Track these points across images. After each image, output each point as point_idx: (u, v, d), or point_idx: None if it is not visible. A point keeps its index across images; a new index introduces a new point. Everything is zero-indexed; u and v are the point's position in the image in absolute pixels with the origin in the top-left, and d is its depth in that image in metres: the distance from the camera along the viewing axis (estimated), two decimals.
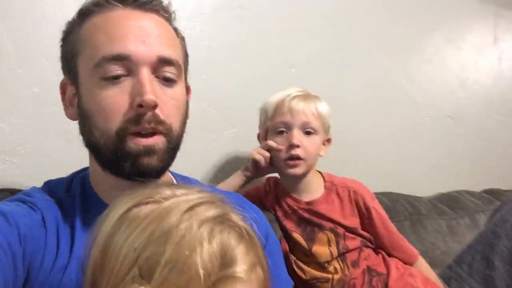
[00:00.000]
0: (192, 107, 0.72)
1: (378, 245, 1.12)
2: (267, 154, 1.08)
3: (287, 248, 1.09)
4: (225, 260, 0.43)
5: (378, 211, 1.11)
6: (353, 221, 1.09)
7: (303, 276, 1.07)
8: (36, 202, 0.62)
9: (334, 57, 1.50)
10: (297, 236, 1.08)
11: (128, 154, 0.60)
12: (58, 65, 0.69)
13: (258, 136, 1.16)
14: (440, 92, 1.76)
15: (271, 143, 1.07)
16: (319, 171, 1.16)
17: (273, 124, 1.08)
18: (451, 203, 1.54)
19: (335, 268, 1.06)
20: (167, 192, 0.48)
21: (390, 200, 1.39)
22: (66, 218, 0.63)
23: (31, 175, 1.03)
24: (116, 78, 0.60)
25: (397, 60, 1.65)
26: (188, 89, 0.72)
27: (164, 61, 0.63)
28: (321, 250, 1.06)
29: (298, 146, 1.04)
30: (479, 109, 1.87)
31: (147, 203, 0.47)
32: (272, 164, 1.10)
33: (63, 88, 0.68)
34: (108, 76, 0.60)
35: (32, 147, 1.04)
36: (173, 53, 0.65)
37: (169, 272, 0.41)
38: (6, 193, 0.88)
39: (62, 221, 0.62)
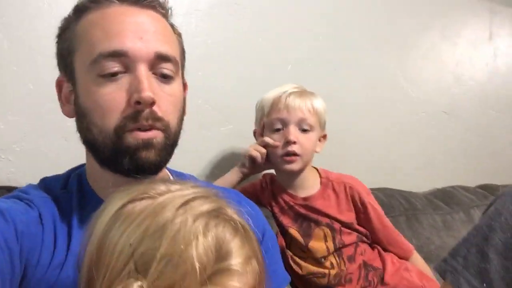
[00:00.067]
0: (188, 104, 0.72)
1: (374, 240, 1.12)
2: (264, 150, 1.09)
3: (284, 243, 1.10)
4: (220, 253, 0.43)
5: (373, 206, 1.11)
6: (349, 216, 1.09)
7: (299, 271, 1.07)
8: (32, 199, 0.62)
9: (330, 54, 1.50)
10: (294, 231, 1.08)
11: (127, 149, 0.60)
12: (53, 62, 0.69)
13: (254, 133, 1.16)
14: (436, 88, 1.77)
15: (267, 139, 1.08)
16: (315, 167, 1.16)
17: (270, 121, 1.09)
18: (446, 198, 1.54)
19: (331, 263, 1.06)
20: (162, 187, 0.49)
21: (385, 196, 1.40)
22: (63, 215, 0.63)
23: (27, 172, 1.03)
24: (113, 75, 0.60)
25: (392, 56, 1.65)
26: (185, 86, 0.72)
27: (162, 58, 0.63)
28: (318, 245, 1.07)
29: (294, 143, 1.05)
30: (474, 105, 1.88)
31: (142, 198, 0.47)
32: (269, 160, 1.11)
33: (59, 85, 0.68)
34: (105, 73, 0.60)
35: (28, 144, 1.04)
36: (170, 49, 0.65)
37: (165, 266, 0.41)
38: (3, 191, 0.88)
39: (59, 218, 0.62)
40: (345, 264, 1.06)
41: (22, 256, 0.55)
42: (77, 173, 0.70)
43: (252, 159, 1.10)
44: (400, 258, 1.12)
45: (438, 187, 1.67)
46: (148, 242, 0.43)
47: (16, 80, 1.03)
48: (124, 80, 0.61)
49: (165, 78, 0.64)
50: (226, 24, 1.31)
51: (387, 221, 1.14)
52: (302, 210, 1.09)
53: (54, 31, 0.68)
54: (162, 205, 0.45)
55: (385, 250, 1.12)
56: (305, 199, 1.10)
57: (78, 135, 0.67)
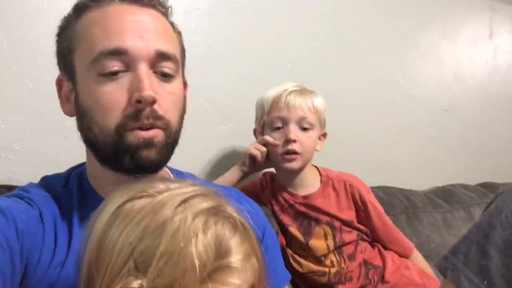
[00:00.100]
0: (188, 103, 0.72)
1: (374, 238, 1.13)
2: (264, 149, 1.09)
3: (284, 242, 1.10)
4: (220, 251, 0.43)
5: (374, 204, 1.12)
6: (349, 214, 1.09)
7: (300, 269, 1.08)
8: (33, 198, 0.62)
9: (330, 52, 1.50)
10: (294, 230, 1.08)
11: (128, 148, 0.60)
12: (53, 61, 0.69)
13: (255, 131, 1.16)
14: (436, 87, 1.77)
15: (267, 138, 1.08)
16: (315, 166, 1.16)
17: (270, 119, 1.09)
18: (446, 196, 1.54)
19: (331, 262, 1.07)
20: (161, 186, 0.49)
21: (386, 194, 1.40)
22: (64, 214, 0.63)
23: (28, 171, 1.03)
24: (114, 74, 0.60)
25: (392, 54, 1.65)
26: (185, 84, 0.72)
27: (162, 56, 0.63)
28: (318, 243, 1.07)
29: (294, 141, 1.05)
30: (475, 103, 1.88)
31: (141, 197, 0.47)
32: (269, 159, 1.11)
33: (59, 84, 0.68)
34: (105, 72, 0.60)
35: (28, 143, 1.04)
36: (170, 47, 0.65)
37: (165, 264, 0.41)
38: (3, 190, 0.88)
39: (60, 217, 0.62)
40: (345, 262, 1.06)
41: (22, 255, 0.55)
42: (78, 171, 0.70)
43: (252, 158, 1.10)
44: (400, 256, 1.12)
45: (438, 185, 1.67)
46: (147, 240, 0.43)
47: (16, 79, 1.03)
48: (124, 79, 0.61)
49: (165, 77, 0.64)
50: (226, 23, 1.31)
51: (387, 219, 1.14)
52: (302, 209, 1.09)
53: (54, 30, 0.68)
54: (161, 203, 0.45)
55: (385, 248, 1.12)
56: (305, 197, 1.10)
57: (78, 134, 0.67)
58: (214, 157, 1.29)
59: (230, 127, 1.32)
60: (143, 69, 0.61)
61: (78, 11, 0.65)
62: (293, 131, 1.05)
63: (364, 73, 1.57)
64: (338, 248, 1.07)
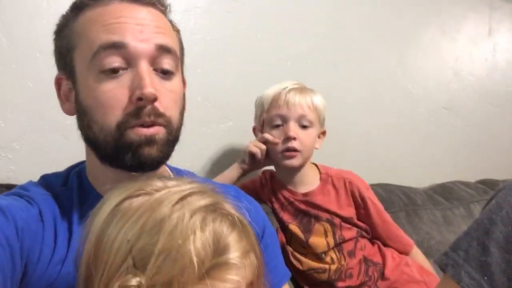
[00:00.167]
0: (187, 101, 0.72)
1: (374, 235, 1.13)
2: (264, 146, 1.09)
3: (284, 239, 1.10)
4: (218, 248, 0.44)
5: (373, 201, 1.12)
6: (349, 211, 1.10)
7: (300, 267, 1.08)
8: (33, 196, 0.62)
9: (329, 50, 1.50)
10: (294, 227, 1.09)
11: (129, 145, 0.60)
12: (53, 60, 0.68)
13: (254, 130, 1.16)
14: (435, 84, 1.77)
15: (267, 136, 1.08)
16: (314, 163, 1.17)
17: (269, 117, 1.09)
18: (446, 193, 1.55)
19: (331, 259, 1.07)
20: (159, 184, 0.49)
21: (385, 191, 1.40)
22: (63, 212, 0.63)
23: (27, 170, 1.03)
24: (114, 72, 0.60)
25: (392, 52, 1.65)
26: (184, 82, 0.72)
27: (163, 49, 0.63)
28: (318, 241, 1.07)
29: (294, 139, 1.05)
30: (474, 100, 1.88)
31: (139, 195, 0.47)
32: (268, 156, 1.11)
33: (58, 83, 0.68)
34: (106, 69, 0.60)
35: (28, 142, 1.04)
36: (170, 41, 0.65)
37: (163, 261, 0.41)
38: (2, 189, 0.88)
39: (59, 215, 0.62)
40: (345, 259, 1.06)
41: (22, 253, 0.55)
42: (77, 170, 0.70)
43: (252, 155, 1.10)
44: (400, 253, 1.12)
45: (438, 182, 1.67)
46: (145, 238, 0.43)
47: (16, 78, 1.03)
48: (125, 77, 0.61)
49: (165, 74, 0.64)
50: (225, 21, 1.31)
51: (386, 216, 1.14)
52: (302, 206, 1.10)
53: (53, 29, 0.68)
54: (159, 200, 0.46)
55: (385, 245, 1.13)
56: (305, 195, 1.11)
57: (77, 132, 0.67)
58: (214, 155, 1.29)
59: (229, 125, 1.32)
60: (144, 66, 0.61)
61: (76, 9, 0.65)
62: (293, 128, 1.05)
63: (363, 71, 1.57)
64: (338, 245, 1.07)
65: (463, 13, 1.85)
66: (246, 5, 1.34)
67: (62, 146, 1.07)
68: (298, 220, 1.10)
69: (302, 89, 1.10)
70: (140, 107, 0.60)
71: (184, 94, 0.70)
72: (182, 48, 0.72)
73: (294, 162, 1.07)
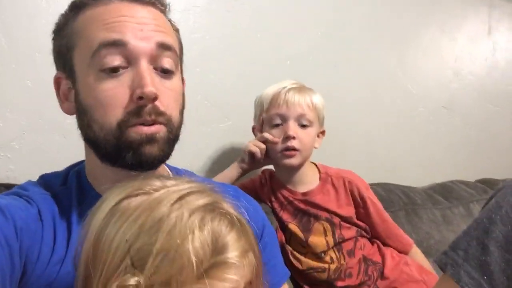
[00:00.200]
0: (186, 101, 0.72)
1: (373, 235, 1.13)
2: (263, 146, 1.09)
3: (283, 239, 1.10)
4: (216, 247, 0.43)
5: (372, 200, 1.12)
6: (349, 211, 1.10)
7: (299, 266, 1.08)
8: (32, 196, 0.62)
9: (329, 49, 1.50)
10: (294, 227, 1.09)
11: (130, 144, 0.60)
12: (52, 59, 0.68)
13: (253, 129, 1.16)
14: (435, 84, 1.77)
15: (267, 135, 1.08)
16: (314, 163, 1.17)
17: (269, 116, 1.09)
18: (445, 193, 1.55)
19: (331, 258, 1.07)
20: (157, 183, 0.49)
21: (385, 191, 1.40)
22: (63, 211, 0.63)
23: (26, 170, 1.03)
24: (114, 71, 0.60)
25: (391, 51, 1.65)
26: (183, 81, 0.72)
27: (163, 48, 0.63)
28: (317, 240, 1.07)
29: (294, 138, 1.05)
30: (474, 99, 1.88)
31: (137, 194, 0.47)
32: (268, 156, 1.11)
33: (57, 83, 0.67)
34: (106, 68, 0.60)
35: (27, 142, 1.04)
36: (170, 40, 0.65)
37: (161, 261, 0.41)
38: (1, 188, 0.88)
39: (59, 214, 0.62)
40: (344, 259, 1.06)
41: (21, 252, 0.55)
42: (76, 170, 0.70)
43: (251, 155, 1.10)
44: (400, 252, 1.13)
45: (437, 181, 1.67)
46: (144, 238, 0.43)
47: (15, 77, 1.03)
48: (125, 76, 0.61)
49: (165, 74, 0.64)
50: (224, 20, 1.31)
51: (386, 215, 1.14)
52: (302, 205, 1.10)
53: (52, 28, 0.68)
54: (158, 200, 0.45)
55: (385, 244, 1.13)
56: (304, 194, 1.11)
57: (77, 132, 0.67)
58: (213, 155, 1.29)
59: (229, 125, 1.32)
60: (144, 65, 0.61)
61: (76, 8, 0.64)
62: (292, 128, 1.05)
63: (363, 70, 1.57)
64: (338, 245, 1.07)
65: (463, 13, 1.85)
66: (246, 4, 1.33)
67: (62, 145, 1.06)
68: (298, 219, 1.10)
69: (301, 89, 1.10)
70: (141, 106, 0.60)
71: (183, 93, 0.71)
72: (181, 47, 0.72)
73: (294, 161, 1.07)
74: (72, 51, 0.63)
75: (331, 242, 1.07)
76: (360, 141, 1.58)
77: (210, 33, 1.28)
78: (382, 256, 1.09)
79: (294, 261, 1.08)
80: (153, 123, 0.61)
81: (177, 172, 0.76)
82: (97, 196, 0.59)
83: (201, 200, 0.46)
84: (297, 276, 1.09)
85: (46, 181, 0.68)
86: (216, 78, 1.29)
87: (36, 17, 1.04)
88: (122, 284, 0.41)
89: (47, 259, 0.58)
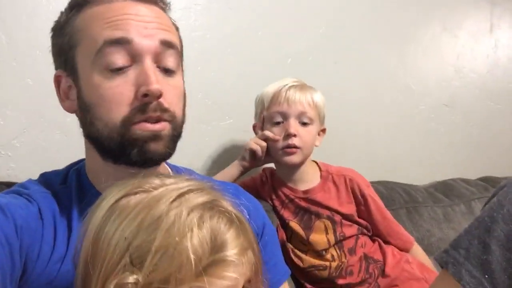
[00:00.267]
0: (187, 99, 0.72)
1: (374, 232, 1.13)
2: (264, 143, 1.09)
3: (284, 237, 1.10)
4: (215, 245, 0.43)
5: (373, 198, 1.12)
6: (350, 208, 1.10)
7: (300, 264, 1.08)
8: (32, 194, 0.62)
9: (330, 47, 1.49)
10: (295, 225, 1.09)
11: (135, 141, 0.61)
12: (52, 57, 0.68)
13: (254, 127, 1.16)
14: (436, 81, 1.76)
15: (267, 133, 1.08)
16: (314, 161, 1.17)
17: (270, 114, 1.09)
18: (446, 191, 1.54)
19: (332, 256, 1.07)
20: (156, 181, 0.49)
21: (386, 189, 1.40)
22: (63, 209, 0.63)
23: (27, 168, 1.03)
24: (119, 69, 0.60)
25: (393, 49, 1.65)
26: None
27: (166, 45, 0.63)
28: (318, 238, 1.07)
29: (294, 136, 1.05)
30: (475, 97, 1.87)
31: (137, 192, 0.47)
32: (269, 154, 1.11)
33: (57, 81, 0.67)
34: (111, 66, 0.60)
35: (28, 140, 1.04)
36: (173, 37, 0.66)
37: (160, 259, 0.41)
38: (2, 187, 0.88)
39: (59, 213, 0.62)
40: (345, 257, 1.06)
41: (22, 251, 0.55)
42: (76, 168, 0.70)
43: (252, 153, 1.10)
44: (401, 250, 1.12)
45: (438, 179, 1.67)
46: (143, 235, 0.43)
47: (15, 75, 1.03)
48: (129, 73, 0.61)
49: (168, 71, 0.64)
50: (225, 19, 1.31)
51: (387, 213, 1.14)
52: (303, 203, 1.09)
53: (52, 26, 0.67)
54: (157, 198, 0.46)
55: (386, 242, 1.13)
56: (305, 192, 1.11)
57: (77, 130, 0.67)
58: (214, 153, 1.29)
59: (229, 123, 1.31)
60: (148, 63, 0.61)
61: (78, 6, 0.64)
62: (293, 125, 1.05)
63: (364, 68, 1.57)
64: (339, 242, 1.07)
65: (464, 10, 1.84)
66: (247, 2, 1.33)
67: (62, 144, 1.06)
68: (299, 217, 1.10)
69: (302, 87, 1.09)
70: (146, 103, 0.60)
71: (185, 91, 0.71)
72: (182, 45, 0.72)
73: (295, 159, 1.07)
74: (74, 49, 0.63)
75: (332, 240, 1.07)
76: (360, 139, 1.58)
77: (211, 32, 1.28)
78: (383, 254, 1.09)
79: (295, 259, 1.08)
80: (158, 120, 0.62)
81: (177, 171, 0.76)
82: (97, 194, 0.59)
83: (200, 198, 0.46)
84: (298, 274, 1.09)
85: (46, 179, 0.68)
86: (216, 76, 1.29)
87: (36, 15, 1.04)
88: (121, 282, 0.41)
89: (48, 257, 0.58)
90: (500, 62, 1.94)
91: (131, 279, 0.41)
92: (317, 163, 1.16)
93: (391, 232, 1.13)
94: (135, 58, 0.61)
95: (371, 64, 1.59)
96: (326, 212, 1.08)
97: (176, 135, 0.65)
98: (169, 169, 0.75)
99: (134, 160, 0.61)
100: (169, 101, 0.63)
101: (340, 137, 1.49)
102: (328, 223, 1.08)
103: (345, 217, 1.09)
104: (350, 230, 1.08)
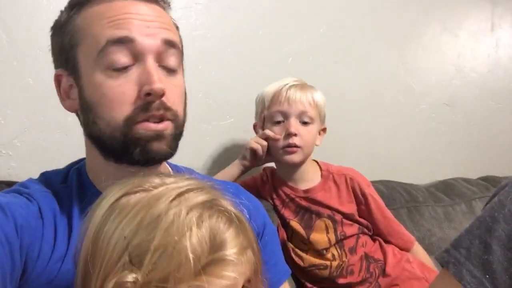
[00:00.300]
0: (188, 98, 0.72)
1: (375, 232, 1.13)
2: (265, 143, 1.09)
3: (285, 236, 1.10)
4: (214, 244, 0.43)
5: (374, 197, 1.12)
6: (350, 207, 1.10)
7: (301, 263, 1.08)
8: (32, 193, 0.62)
9: (331, 46, 1.49)
10: (295, 224, 1.09)
11: (137, 140, 0.61)
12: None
13: (254, 126, 1.16)
14: (437, 80, 1.76)
15: (268, 132, 1.08)
16: (315, 160, 1.17)
17: (270, 114, 1.09)
18: (447, 190, 1.54)
19: (333, 255, 1.07)
20: (157, 180, 0.49)
21: (387, 188, 1.40)
22: (63, 209, 0.63)
23: (28, 167, 1.03)
24: (121, 68, 0.60)
25: (393, 48, 1.64)
26: None
27: (169, 44, 0.64)
28: (319, 237, 1.07)
29: (295, 135, 1.05)
30: (476, 96, 1.87)
31: (137, 191, 0.47)
32: (269, 153, 1.11)
33: (57, 80, 0.67)
34: (113, 65, 0.60)
35: (28, 139, 1.04)
36: (175, 36, 0.66)
37: (159, 258, 0.41)
38: (3, 186, 0.88)
39: (59, 212, 0.62)
40: (346, 256, 1.06)
41: (22, 250, 0.55)
42: (77, 167, 0.70)
43: (253, 152, 1.10)
44: (401, 249, 1.12)
45: (439, 179, 1.67)
46: (142, 234, 0.43)
47: (16, 75, 1.03)
48: (132, 72, 0.61)
49: (170, 70, 0.65)
50: (226, 18, 1.31)
51: (388, 212, 1.14)
52: (304, 203, 1.09)
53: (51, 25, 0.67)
54: (156, 197, 0.46)
55: (386, 241, 1.13)
56: (306, 191, 1.11)
57: (78, 130, 0.67)
58: (214, 152, 1.29)
59: (230, 122, 1.31)
60: (151, 62, 0.61)
61: (78, 5, 0.64)
62: (294, 125, 1.05)
63: (364, 67, 1.57)
64: (340, 242, 1.07)
65: (465, 9, 1.84)
66: (247, 2, 1.33)
67: (63, 143, 1.06)
68: (299, 216, 1.10)
69: (302, 86, 1.09)
70: (149, 102, 0.61)
71: (185, 90, 0.71)
72: (182, 45, 0.72)
73: (295, 158, 1.07)
74: (76, 48, 0.63)
75: (333, 239, 1.07)
76: (361, 139, 1.57)
77: (211, 31, 1.28)
78: (384, 253, 1.09)
79: (296, 258, 1.08)
80: (161, 119, 0.62)
81: (178, 170, 0.77)
82: (98, 194, 0.59)
83: (199, 197, 0.46)
84: (299, 273, 1.09)
85: (46, 178, 0.68)
86: (217, 75, 1.29)
87: (36, 14, 1.04)
88: (120, 280, 0.41)
89: (48, 256, 0.58)
90: (501, 62, 1.93)
91: (130, 278, 0.41)
92: (317, 163, 1.16)
93: (392, 231, 1.13)
94: (137, 57, 0.61)
95: (372, 64, 1.59)
96: (326, 211, 1.08)
97: (178, 134, 0.66)
98: (169, 168, 0.75)
99: (137, 159, 0.61)
100: (172, 100, 0.63)
101: (341, 137, 1.49)
102: (329, 222, 1.08)
103: (346, 216, 1.09)
104: (351, 229, 1.08)
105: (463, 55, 1.82)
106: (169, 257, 0.41)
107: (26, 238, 0.56)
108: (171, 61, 0.64)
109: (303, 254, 1.08)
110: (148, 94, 0.60)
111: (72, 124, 0.67)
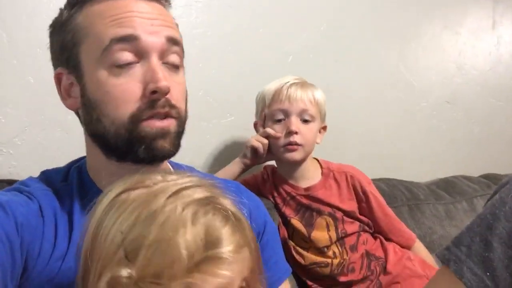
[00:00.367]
0: (188, 96, 0.72)
1: (376, 229, 1.13)
2: (266, 141, 1.09)
3: (286, 234, 1.10)
4: (209, 241, 0.43)
5: (375, 195, 1.12)
6: (351, 205, 1.10)
7: (302, 261, 1.08)
8: (33, 192, 0.62)
9: (331, 44, 1.49)
10: (296, 222, 1.09)
11: (143, 138, 0.61)
12: None
13: (255, 125, 1.16)
14: (438, 78, 1.76)
15: (269, 130, 1.08)
16: (315, 158, 1.17)
17: (271, 112, 1.09)
18: (448, 188, 1.54)
19: (334, 253, 1.07)
20: (158, 177, 0.49)
21: (388, 186, 1.39)
22: (64, 207, 0.63)
23: (28, 166, 1.03)
24: (126, 66, 0.61)
25: (394, 46, 1.64)
26: None
27: (172, 42, 0.64)
28: (320, 235, 1.07)
29: (296, 133, 1.05)
30: (477, 94, 1.87)
31: (137, 187, 0.48)
32: (270, 151, 1.11)
33: (58, 78, 0.67)
34: (118, 63, 0.60)
35: (29, 138, 1.04)
36: (177, 34, 0.66)
37: (153, 253, 0.41)
38: (3, 184, 0.88)
39: (60, 210, 0.62)
40: (347, 254, 1.06)
41: (22, 248, 0.55)
42: (77, 165, 0.70)
43: (254, 150, 1.10)
44: (402, 247, 1.12)
45: (440, 177, 1.66)
46: (138, 229, 0.43)
47: (16, 73, 1.03)
48: (136, 70, 0.61)
49: (173, 68, 0.65)
50: (226, 16, 1.31)
51: (388, 210, 1.14)
52: (304, 200, 1.09)
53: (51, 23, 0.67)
54: (155, 193, 0.46)
55: (387, 239, 1.13)
56: (306, 189, 1.11)
57: (78, 128, 0.67)
58: (215, 151, 1.29)
59: (230, 121, 1.31)
60: (155, 60, 0.62)
61: (80, 3, 0.64)
62: (295, 123, 1.05)
63: (365, 65, 1.57)
64: (340, 239, 1.07)
65: (466, 6, 1.83)
66: (247, 0, 1.33)
67: (63, 141, 1.06)
68: (300, 214, 1.10)
69: (303, 84, 1.10)
70: (154, 100, 0.61)
71: (186, 88, 0.71)
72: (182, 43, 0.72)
73: (296, 155, 1.07)
74: (78, 47, 0.63)
75: (334, 237, 1.07)
76: (361, 137, 1.57)
77: (211, 29, 1.28)
78: (385, 251, 1.09)
79: (297, 256, 1.08)
80: (166, 117, 0.62)
81: (179, 168, 0.77)
82: (99, 192, 0.59)
83: (197, 194, 0.46)
84: (300, 271, 1.09)
85: (47, 177, 0.68)
86: (217, 74, 1.29)
87: (36, 13, 1.04)
88: (115, 275, 0.41)
89: (48, 255, 0.58)
90: (502, 59, 1.93)
91: (125, 272, 0.41)
92: (318, 161, 1.16)
93: (393, 229, 1.13)
94: (141, 55, 0.61)
95: (372, 62, 1.58)
96: (327, 209, 1.08)
97: (180, 132, 0.66)
98: (170, 166, 0.75)
99: (142, 157, 0.62)
100: (175, 97, 0.64)
101: (342, 135, 1.49)
102: (330, 220, 1.08)
103: (347, 214, 1.09)
104: (352, 227, 1.08)
105: (464, 52, 1.82)
106: (162, 253, 0.41)
107: (27, 236, 0.56)
108: (174, 58, 0.65)
109: (304, 252, 1.08)
110: (154, 92, 0.60)
111: (73, 122, 0.67)
